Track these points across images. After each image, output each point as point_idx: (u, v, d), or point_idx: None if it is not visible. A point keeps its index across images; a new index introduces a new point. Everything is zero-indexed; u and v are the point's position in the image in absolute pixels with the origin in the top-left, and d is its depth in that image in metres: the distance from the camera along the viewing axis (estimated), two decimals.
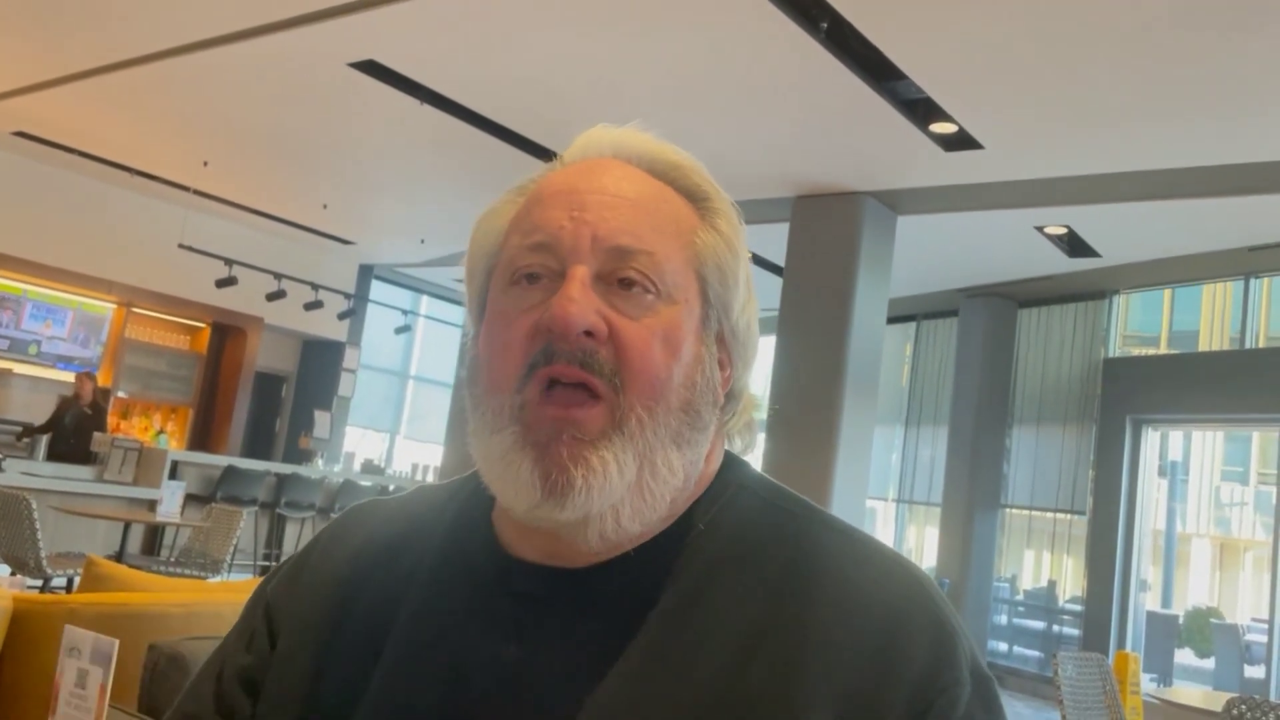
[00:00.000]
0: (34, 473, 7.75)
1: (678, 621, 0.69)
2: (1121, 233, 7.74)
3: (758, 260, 9.20)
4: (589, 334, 0.69)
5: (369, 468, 11.34)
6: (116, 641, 1.67)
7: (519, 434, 0.69)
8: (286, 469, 10.00)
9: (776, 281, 7.76)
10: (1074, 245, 8.03)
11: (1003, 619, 9.92)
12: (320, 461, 11.00)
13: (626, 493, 0.69)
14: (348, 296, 11.27)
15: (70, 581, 5.77)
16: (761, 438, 7.49)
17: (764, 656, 0.66)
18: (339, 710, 0.73)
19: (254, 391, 11.61)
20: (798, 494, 0.79)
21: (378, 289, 12.51)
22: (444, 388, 13.27)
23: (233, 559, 6.38)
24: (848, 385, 7.05)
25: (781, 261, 7.67)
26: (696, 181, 0.79)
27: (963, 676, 0.68)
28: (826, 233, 7.26)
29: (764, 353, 7.94)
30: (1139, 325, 9.95)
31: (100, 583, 2.70)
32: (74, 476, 8.08)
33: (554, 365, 0.69)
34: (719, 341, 0.77)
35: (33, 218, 9.36)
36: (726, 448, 0.82)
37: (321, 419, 11.56)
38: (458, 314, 12.63)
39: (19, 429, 8.92)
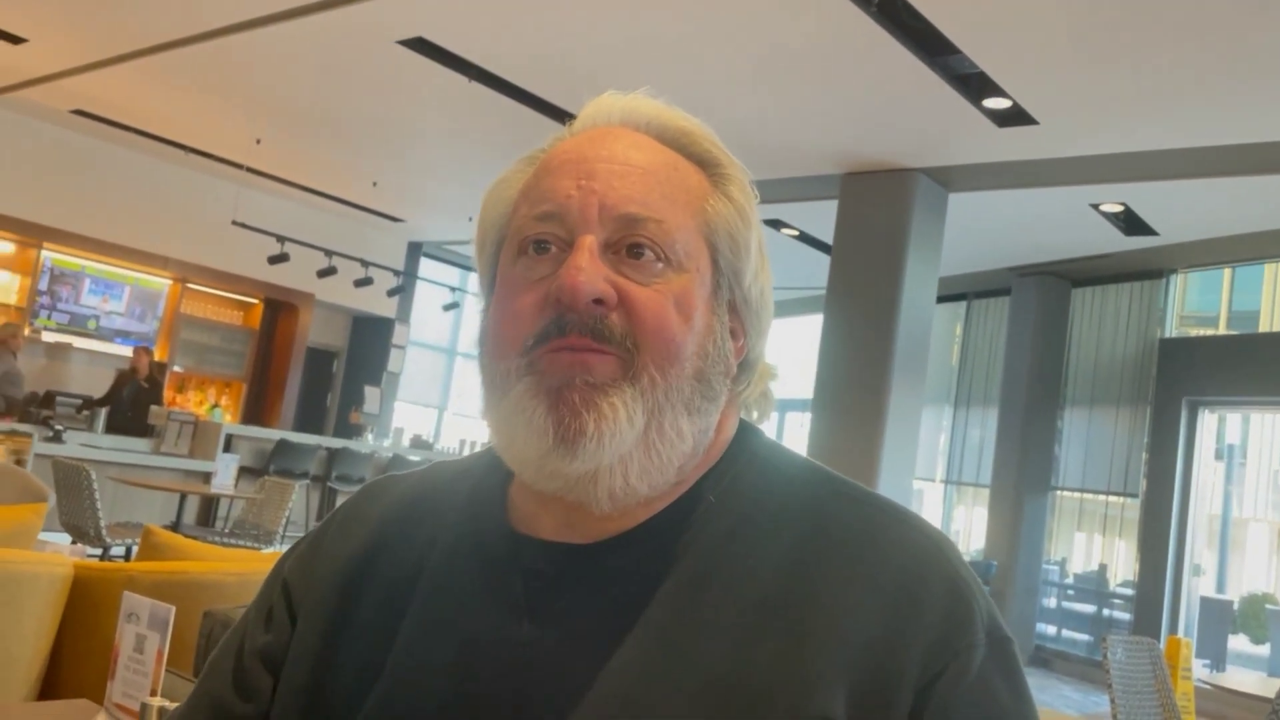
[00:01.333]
0: (93, 444, 7.94)
1: (689, 596, 0.69)
2: (1180, 210, 7.56)
3: (806, 238, 9.13)
4: (599, 302, 0.69)
5: (418, 443, 11.47)
6: (173, 608, 1.71)
7: (532, 383, 0.69)
8: (337, 443, 10.15)
9: (824, 259, 7.69)
10: (1130, 223, 7.86)
11: (1052, 602, 9.81)
12: (370, 436, 11.15)
13: (634, 446, 0.69)
14: (397, 273, 11.36)
15: (128, 550, 5.91)
16: (808, 417, 7.46)
17: (776, 629, 0.66)
18: (355, 688, 0.74)
19: (305, 367, 11.78)
20: (814, 462, 0.78)
21: (426, 266, 12.60)
22: None
23: (285, 530, 6.50)
24: (896, 365, 6.99)
25: (830, 239, 7.60)
26: (707, 148, 0.77)
27: (978, 639, 0.67)
28: (876, 210, 7.18)
29: (811, 331, 7.90)
30: (1197, 305, 9.73)
31: (157, 551, 2.76)
32: (131, 449, 8.27)
33: (566, 337, 0.69)
34: (731, 310, 0.76)
35: (91, 194, 9.55)
36: (742, 417, 0.81)
37: (371, 394, 11.71)
38: None
39: (79, 402, 9.14)
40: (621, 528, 0.73)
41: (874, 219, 7.19)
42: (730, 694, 0.64)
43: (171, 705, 1.59)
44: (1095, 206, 7.55)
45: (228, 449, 8.56)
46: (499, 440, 0.73)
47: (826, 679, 0.64)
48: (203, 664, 2.32)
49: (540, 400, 0.69)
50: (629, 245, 0.71)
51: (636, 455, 0.69)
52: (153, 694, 1.71)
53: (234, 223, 9.54)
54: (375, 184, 9.84)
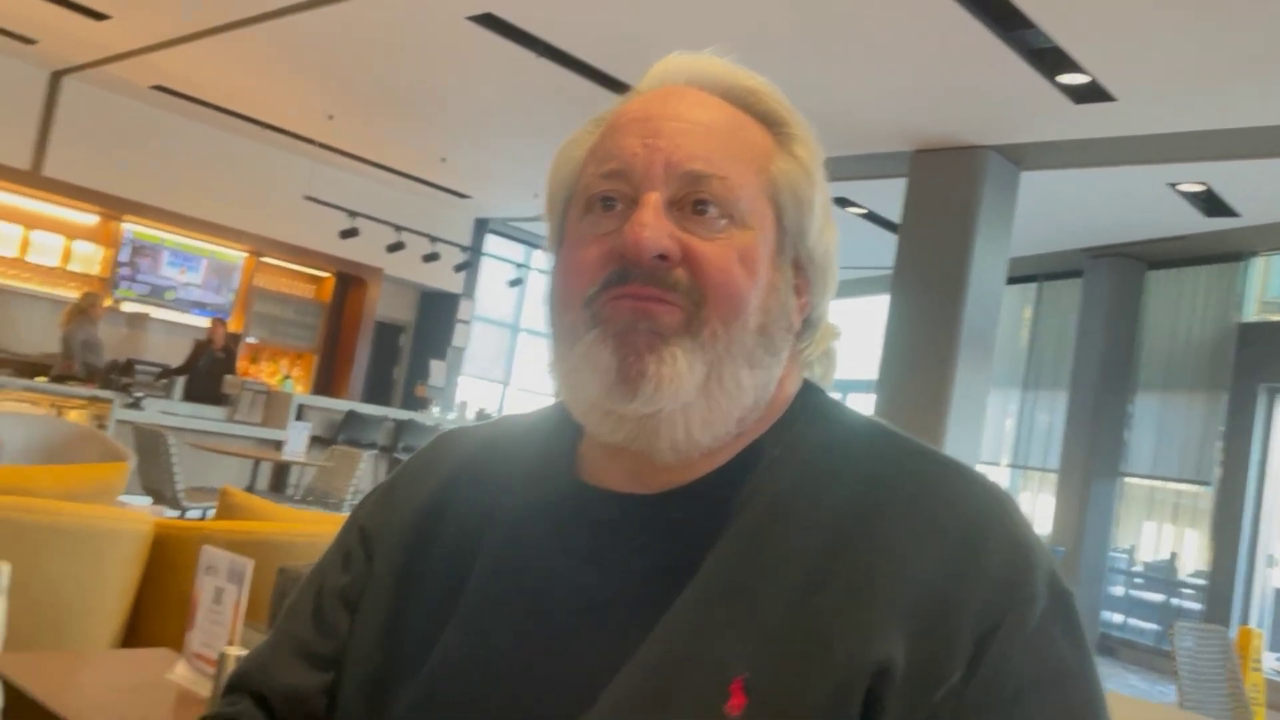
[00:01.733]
0: (171, 411, 8.19)
1: (750, 547, 0.69)
2: (1263, 190, 7.31)
3: (873, 217, 9.03)
4: (663, 258, 0.70)
5: (482, 417, 11.62)
6: (251, 561, 1.78)
7: (599, 333, 0.71)
8: (404, 415, 10.33)
9: (891, 238, 7.61)
10: (1210, 204, 7.64)
11: (1119, 590, 9.64)
12: (435, 409, 11.32)
13: (695, 397, 0.70)
14: (463, 249, 11.49)
15: (204, 514, 6.10)
16: (872, 398, 7.40)
17: (836, 577, 0.66)
18: (429, 627, 0.76)
19: (374, 340, 11.99)
20: (876, 418, 0.78)
21: (492, 242, 12.72)
22: None
23: (353, 498, 6.65)
24: (963, 347, 6.89)
25: (897, 218, 7.51)
26: (773, 107, 0.78)
27: (1038, 591, 0.67)
28: (945, 188, 7.07)
29: (877, 311, 7.83)
30: (1279, 289, 9.43)
31: (233, 511, 2.85)
32: (207, 416, 8.51)
33: (629, 286, 0.71)
34: (795, 268, 0.77)
35: (170, 169, 9.79)
36: (806, 376, 0.81)
37: (437, 368, 11.88)
38: None
39: (157, 370, 9.42)
40: (685, 479, 0.74)
41: (943, 197, 7.08)
42: (790, 639, 0.65)
43: None
44: (1174, 186, 7.34)
45: (299, 418, 8.76)
46: (565, 389, 0.75)
47: (886, 626, 0.64)
48: (276, 620, 2.41)
49: (606, 345, 0.71)
50: (693, 202, 0.72)
51: (697, 405, 0.71)
52: (230, 644, 1.78)
53: (306, 198, 9.73)
54: (444, 160, 9.95)
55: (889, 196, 7.72)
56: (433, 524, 0.82)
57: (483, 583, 0.77)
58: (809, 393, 0.80)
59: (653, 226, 0.70)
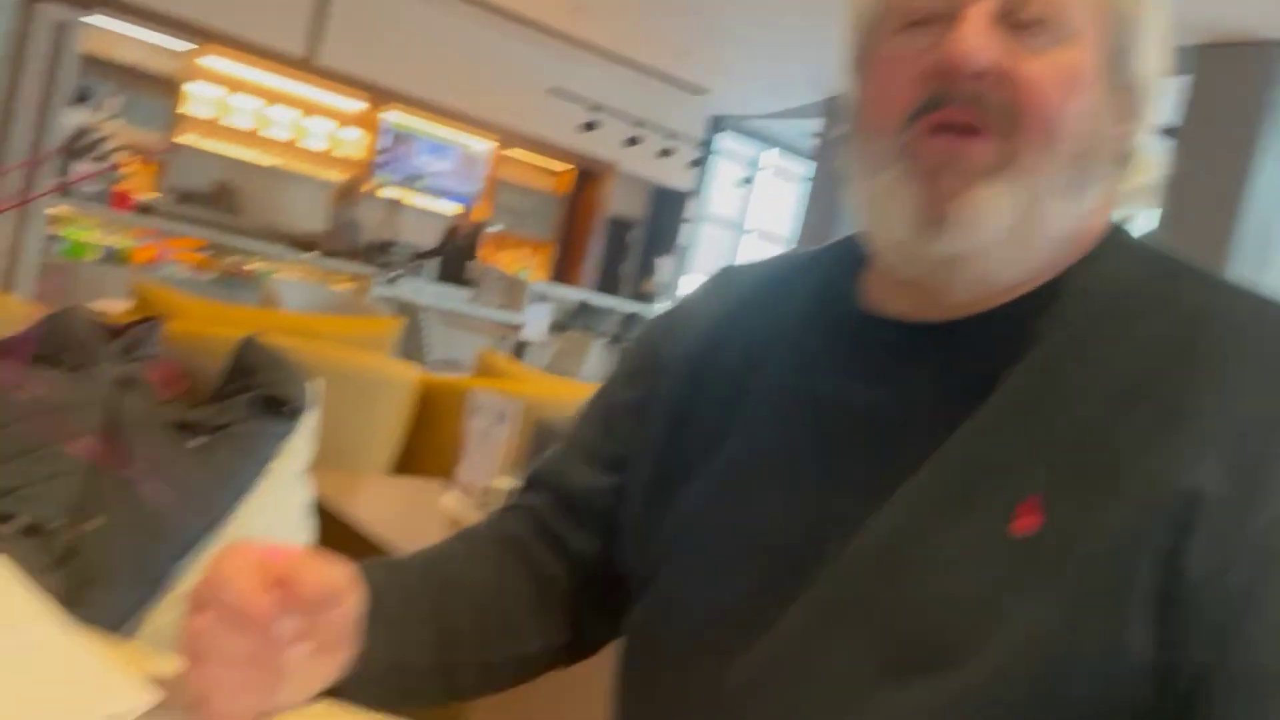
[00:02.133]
0: (421, 290, 8.75)
1: (1047, 375, 0.67)
2: None
3: None
4: (984, 75, 0.67)
5: None
6: (519, 402, 1.90)
7: (904, 168, 0.69)
8: (631, 308, 10.62)
9: (1165, 145, 7.01)
10: None
11: None
12: (660, 304, 11.55)
13: (1002, 236, 0.68)
14: (699, 145, 11.47)
15: None
16: None
17: (1145, 403, 0.63)
18: (708, 441, 0.79)
19: (606, 234, 12.30)
20: (1191, 260, 0.74)
21: (724, 140, 12.64)
22: (778, 243, 13.34)
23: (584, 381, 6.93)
24: (1234, 270, 6.32)
25: (1173, 122, 6.89)
26: None
27: None
28: (1231, 90, 6.40)
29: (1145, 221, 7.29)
30: None
31: (491, 371, 3.05)
32: (452, 297, 9.05)
33: (943, 110, 0.68)
34: (1120, 93, 0.71)
35: (428, 60, 10.21)
36: (1118, 212, 0.77)
37: (663, 265, 12.07)
38: (801, 168, 12.54)
39: (409, 252, 10.04)
40: (980, 309, 0.73)
41: (1229, 101, 6.42)
42: (1090, 460, 0.63)
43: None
44: None
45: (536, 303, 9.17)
46: (866, 219, 0.74)
47: (1199, 455, 0.61)
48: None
49: (910, 183, 0.69)
50: (1020, 15, 0.68)
51: (1004, 244, 0.69)
52: (498, 476, 1.92)
53: (550, 90, 9.95)
54: (685, 53, 9.89)
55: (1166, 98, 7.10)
56: (716, 344, 0.84)
57: (763, 399, 0.79)
58: (1120, 229, 0.77)
59: (976, 38, 0.67)
